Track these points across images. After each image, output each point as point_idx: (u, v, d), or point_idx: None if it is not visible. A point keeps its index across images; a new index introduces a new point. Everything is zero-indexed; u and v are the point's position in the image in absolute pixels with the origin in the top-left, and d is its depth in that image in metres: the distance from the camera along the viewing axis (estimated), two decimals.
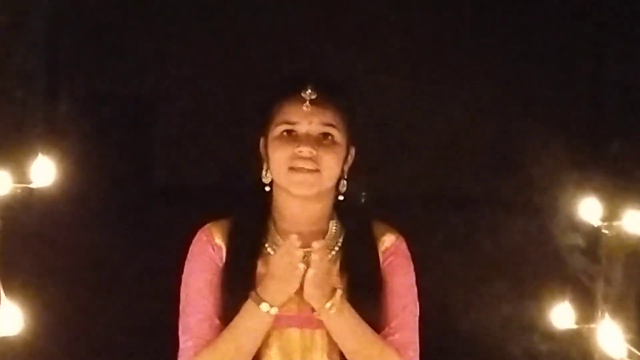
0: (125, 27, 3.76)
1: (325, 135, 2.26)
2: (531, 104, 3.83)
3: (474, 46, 3.85)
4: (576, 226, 3.21)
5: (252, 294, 2.18)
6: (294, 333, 2.25)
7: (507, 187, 3.82)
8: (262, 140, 2.33)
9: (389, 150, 3.74)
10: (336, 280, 2.27)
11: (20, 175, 2.62)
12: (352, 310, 2.22)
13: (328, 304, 2.17)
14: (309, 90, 2.23)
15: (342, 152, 2.28)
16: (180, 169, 3.77)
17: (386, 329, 2.27)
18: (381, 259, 2.32)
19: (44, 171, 2.66)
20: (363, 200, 2.46)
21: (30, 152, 2.66)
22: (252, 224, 2.31)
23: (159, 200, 3.80)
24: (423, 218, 3.75)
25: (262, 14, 3.76)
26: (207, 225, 2.35)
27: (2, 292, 2.53)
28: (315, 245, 2.13)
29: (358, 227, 2.33)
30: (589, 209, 3.09)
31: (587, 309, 3.31)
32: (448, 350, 3.72)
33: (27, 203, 2.72)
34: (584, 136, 3.79)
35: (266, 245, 2.30)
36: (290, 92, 2.25)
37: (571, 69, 3.85)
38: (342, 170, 2.31)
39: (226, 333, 2.22)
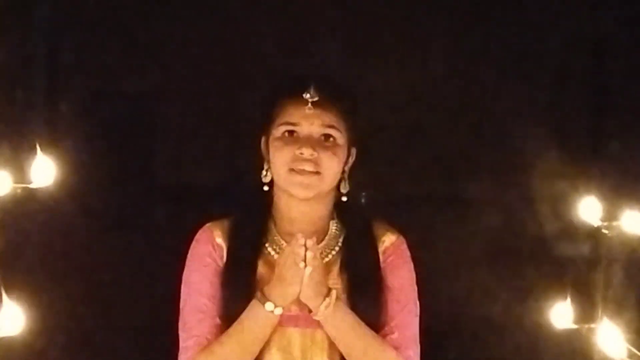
0: (126, 26, 3.76)
1: (327, 136, 2.26)
2: (531, 104, 3.83)
3: (474, 46, 3.85)
4: (576, 226, 3.21)
5: (258, 293, 2.19)
6: (294, 333, 2.25)
7: (507, 187, 3.82)
8: (263, 139, 2.33)
9: (389, 150, 3.74)
10: (336, 280, 2.27)
11: (20, 175, 2.61)
12: (349, 310, 2.22)
13: (323, 304, 2.17)
14: (311, 92, 2.23)
15: (343, 154, 2.29)
16: (181, 168, 3.77)
17: (386, 328, 2.27)
18: (381, 259, 2.33)
19: (44, 171, 2.66)
20: (363, 200, 2.46)
21: (30, 152, 2.66)
22: (252, 224, 2.32)
23: (159, 200, 3.80)
24: (423, 218, 3.75)
25: (262, 14, 3.76)
26: (208, 224, 2.35)
27: (2, 292, 2.53)
28: (309, 242, 2.14)
29: (358, 227, 2.34)
30: (589, 209, 3.09)
31: (586, 308, 3.31)
32: (448, 350, 3.72)
33: (27, 203, 2.71)
34: (584, 136, 3.79)
35: (267, 245, 2.30)
36: (293, 93, 2.25)
37: (571, 69, 3.85)
38: (343, 171, 2.31)
39: (230, 332, 2.22)
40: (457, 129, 3.89)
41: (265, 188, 2.32)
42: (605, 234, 3.04)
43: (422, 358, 2.32)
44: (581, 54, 3.87)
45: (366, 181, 2.41)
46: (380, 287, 2.29)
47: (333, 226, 2.34)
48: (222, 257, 2.30)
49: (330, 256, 2.30)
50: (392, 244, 2.34)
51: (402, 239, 2.37)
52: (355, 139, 2.33)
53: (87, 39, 3.69)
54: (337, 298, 2.20)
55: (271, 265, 2.24)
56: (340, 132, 2.27)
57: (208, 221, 2.36)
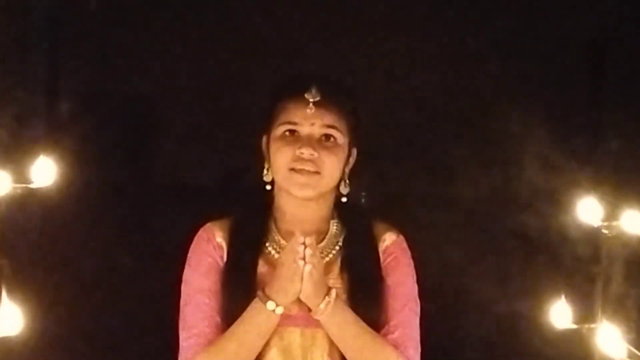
0: (126, 26, 3.76)
1: (327, 137, 2.26)
2: (531, 104, 3.83)
3: (474, 46, 3.86)
4: (576, 226, 3.21)
5: (259, 292, 2.19)
6: (294, 332, 2.25)
7: (507, 187, 3.82)
8: (264, 138, 2.34)
9: (389, 150, 3.74)
10: (336, 279, 2.28)
11: (21, 175, 2.61)
12: (349, 309, 2.22)
13: (323, 303, 2.17)
14: (313, 92, 2.23)
15: (344, 154, 2.29)
16: (181, 168, 3.77)
17: (386, 327, 2.28)
18: (382, 258, 2.33)
19: (44, 171, 2.66)
20: (363, 200, 2.46)
21: (31, 152, 2.66)
22: (253, 223, 2.32)
23: (159, 200, 3.80)
24: (422, 218, 3.75)
25: (263, 14, 3.76)
26: (208, 224, 2.35)
27: (2, 292, 2.53)
28: (308, 240, 2.14)
29: (358, 226, 2.34)
30: (588, 209, 3.09)
31: (586, 308, 3.31)
32: (447, 350, 3.72)
33: (27, 203, 2.71)
34: (584, 136, 3.80)
35: (267, 244, 2.30)
36: (294, 92, 2.25)
37: (571, 69, 3.85)
38: (344, 172, 2.31)
39: (231, 332, 2.22)
40: (457, 129, 3.89)
41: (267, 187, 2.32)
42: (605, 234, 3.04)
43: (422, 357, 2.32)
44: (581, 54, 3.87)
45: (366, 181, 2.41)
46: (380, 287, 2.29)
47: (333, 226, 2.34)
48: (222, 257, 2.31)
49: (330, 255, 2.30)
50: (392, 243, 2.35)
51: (402, 238, 2.37)
52: (356, 140, 2.34)
53: (88, 38, 3.69)
54: (337, 297, 2.20)
55: (272, 264, 2.25)
56: (341, 132, 2.27)
57: (208, 221, 2.36)
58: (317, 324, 2.23)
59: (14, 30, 3.42)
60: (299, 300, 2.20)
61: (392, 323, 2.28)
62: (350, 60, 3.70)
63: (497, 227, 3.81)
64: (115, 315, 3.60)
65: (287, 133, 2.26)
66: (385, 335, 2.26)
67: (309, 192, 2.25)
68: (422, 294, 2.38)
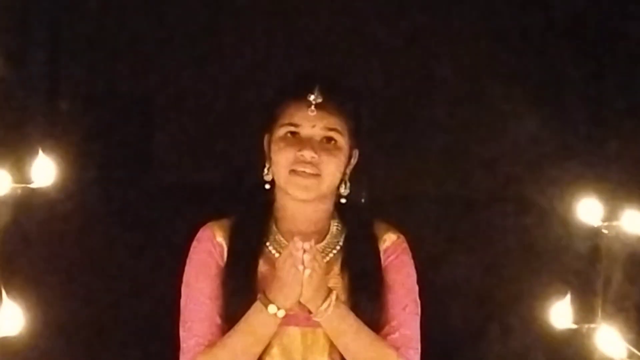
0: (126, 26, 3.76)
1: (329, 139, 2.26)
2: (531, 104, 3.83)
3: (475, 46, 3.86)
4: (576, 226, 3.21)
5: (260, 296, 2.19)
6: (295, 332, 2.25)
7: (506, 187, 3.82)
8: (265, 137, 2.34)
9: (390, 151, 3.74)
10: (337, 279, 2.28)
11: (21, 175, 2.61)
12: (349, 311, 2.22)
13: (324, 305, 2.17)
14: (315, 94, 2.23)
15: (345, 157, 2.29)
16: (181, 168, 3.77)
17: (386, 328, 2.28)
18: (382, 258, 2.33)
19: (45, 171, 2.66)
20: (363, 200, 2.46)
21: (31, 152, 2.66)
22: (253, 223, 2.32)
23: (159, 200, 3.81)
24: (422, 218, 3.75)
25: (263, 14, 3.76)
26: (209, 224, 2.35)
27: (2, 292, 2.53)
28: (306, 246, 2.14)
29: (359, 226, 2.34)
30: (588, 209, 3.09)
31: (586, 308, 3.31)
32: (447, 349, 3.72)
33: (27, 203, 2.71)
34: (584, 136, 3.80)
35: (267, 244, 2.30)
36: (297, 93, 2.25)
37: (571, 69, 3.85)
38: (344, 173, 2.31)
39: (232, 334, 2.22)
40: (456, 129, 3.89)
41: (267, 186, 2.32)
42: (605, 234, 3.04)
43: (422, 358, 2.33)
44: (581, 54, 3.88)
45: (366, 181, 2.41)
46: (381, 287, 2.29)
47: (334, 226, 2.34)
48: (222, 257, 2.31)
49: (331, 255, 2.31)
50: (393, 244, 2.35)
51: (402, 239, 2.38)
52: (358, 141, 2.34)
53: (88, 38, 3.69)
54: (337, 299, 2.20)
55: (272, 264, 2.25)
56: (342, 135, 2.27)
57: (209, 221, 2.36)
58: (318, 323, 2.23)
59: (14, 30, 3.42)
60: (299, 301, 2.20)
61: (392, 323, 2.28)
62: (351, 60, 3.70)
63: (497, 226, 3.81)
64: (116, 315, 3.60)
65: (288, 134, 2.26)
66: (385, 336, 2.26)
67: (309, 194, 2.25)
68: (421, 294, 2.38)
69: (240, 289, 2.23)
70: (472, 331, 3.76)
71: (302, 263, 2.13)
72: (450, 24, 3.84)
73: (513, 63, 3.85)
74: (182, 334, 2.29)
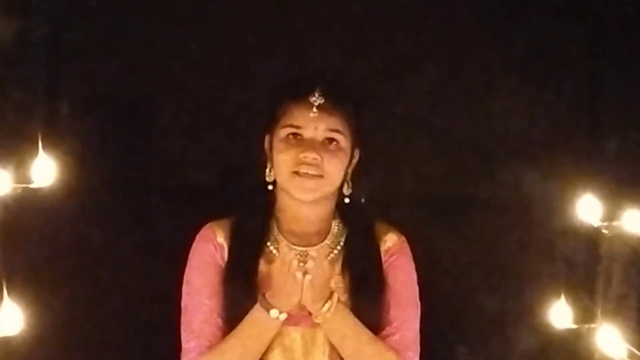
0: (126, 27, 3.76)
1: (331, 140, 2.27)
2: (531, 104, 3.83)
3: (475, 46, 3.86)
4: (576, 226, 3.21)
5: (261, 299, 2.19)
6: (295, 332, 2.26)
7: (506, 187, 3.82)
8: (267, 138, 2.34)
9: (390, 151, 3.74)
10: (337, 280, 2.28)
11: (21, 174, 2.62)
12: (349, 313, 2.22)
13: (324, 308, 2.18)
14: (317, 95, 2.23)
15: (346, 157, 2.29)
16: (182, 168, 3.78)
17: (387, 329, 2.28)
18: (383, 259, 2.33)
19: (45, 171, 2.67)
20: (363, 200, 2.46)
21: (31, 152, 2.67)
22: (254, 223, 2.32)
23: (160, 200, 3.81)
24: (423, 219, 3.75)
25: (263, 14, 3.76)
26: (210, 224, 2.35)
27: (2, 292, 2.53)
28: (312, 253, 2.14)
29: (360, 227, 2.34)
30: (588, 209, 3.10)
31: (586, 308, 3.31)
32: (446, 350, 3.72)
33: (27, 203, 2.72)
34: (584, 136, 3.80)
35: (268, 243, 2.30)
36: (299, 94, 2.25)
37: (571, 69, 3.86)
38: (346, 173, 2.32)
39: (233, 336, 2.22)
40: (456, 129, 3.89)
41: (269, 187, 2.32)
42: (605, 234, 3.04)
43: (421, 358, 2.33)
44: (580, 54, 3.88)
45: (367, 181, 2.41)
46: (381, 287, 2.30)
47: (335, 226, 2.34)
48: (223, 257, 2.31)
49: (332, 255, 2.31)
50: (394, 245, 2.35)
51: (404, 240, 2.38)
52: (359, 141, 2.34)
53: (88, 39, 3.69)
54: (339, 301, 2.20)
55: (273, 264, 2.25)
56: (344, 135, 2.28)
57: (209, 221, 2.36)
58: (318, 324, 2.23)
59: (14, 30, 3.42)
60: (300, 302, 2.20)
61: (393, 325, 2.29)
62: (351, 60, 3.71)
63: (496, 226, 3.81)
64: (116, 315, 3.61)
65: (290, 136, 2.27)
66: (385, 337, 2.27)
67: (311, 196, 2.25)
68: (421, 294, 2.38)
69: (241, 289, 2.24)
70: (471, 331, 3.76)
71: (300, 271, 2.13)
72: (445, 22, 3.84)
73: (513, 64, 3.85)
74: (184, 335, 2.30)
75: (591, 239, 3.37)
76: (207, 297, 2.27)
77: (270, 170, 2.32)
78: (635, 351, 2.55)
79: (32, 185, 2.62)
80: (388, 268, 2.33)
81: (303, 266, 2.18)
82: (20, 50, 3.50)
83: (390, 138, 3.75)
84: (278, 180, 2.30)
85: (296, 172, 2.25)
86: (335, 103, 2.26)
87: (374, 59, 3.77)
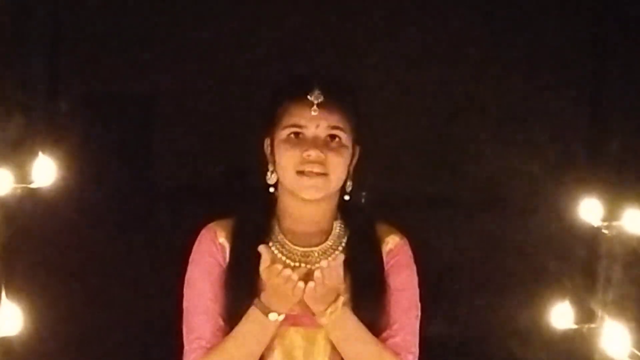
0: (126, 26, 3.76)
1: (332, 137, 2.26)
2: (531, 104, 3.83)
3: (475, 47, 3.85)
4: (576, 226, 3.21)
5: (257, 301, 2.18)
6: (296, 333, 2.25)
7: (507, 187, 3.82)
8: (266, 141, 2.33)
9: (390, 151, 3.74)
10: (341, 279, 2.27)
11: (21, 175, 2.61)
12: (353, 315, 2.21)
13: (329, 310, 2.17)
14: (316, 94, 2.23)
15: (349, 154, 2.29)
16: (182, 168, 3.77)
17: (388, 331, 2.27)
18: (385, 260, 2.32)
19: (45, 171, 2.66)
20: (363, 200, 2.46)
21: (31, 152, 2.66)
22: (255, 223, 2.31)
23: (160, 200, 3.80)
24: (423, 219, 3.75)
25: (263, 15, 3.75)
26: (211, 224, 2.34)
27: (2, 292, 2.53)
28: (323, 264, 2.13)
29: (362, 227, 2.33)
30: (589, 209, 3.09)
31: (587, 309, 3.31)
32: (448, 350, 3.72)
33: (28, 203, 2.71)
34: (584, 136, 3.79)
35: (270, 244, 2.29)
36: (297, 94, 2.24)
37: (571, 69, 3.85)
38: (348, 171, 2.31)
39: (231, 338, 2.22)
40: (456, 130, 3.89)
41: (271, 190, 2.32)
42: (605, 234, 3.04)
43: (422, 358, 2.32)
44: (581, 54, 3.87)
45: (367, 181, 2.41)
46: (382, 289, 2.29)
47: (337, 226, 2.33)
48: (224, 257, 2.30)
49: (333, 256, 2.30)
50: (396, 246, 2.34)
51: (405, 241, 2.37)
52: (359, 138, 2.33)
53: (88, 39, 3.69)
54: (344, 304, 2.19)
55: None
56: (345, 132, 2.27)
57: (211, 221, 2.35)
58: (319, 324, 2.23)
59: (14, 30, 3.42)
60: (301, 301, 2.19)
61: (394, 327, 2.28)
62: (351, 61, 3.70)
63: (497, 226, 3.81)
64: (116, 315, 3.60)
65: (292, 136, 2.26)
66: (386, 339, 2.26)
67: (317, 194, 2.25)
68: (422, 295, 2.37)
69: (243, 289, 2.23)
70: (472, 331, 3.76)
71: (288, 279, 2.12)
72: (445, 23, 3.83)
73: (513, 64, 3.85)
74: (185, 336, 2.29)
75: (591, 239, 3.37)
76: (208, 297, 2.26)
77: (271, 173, 2.31)
78: (636, 351, 2.55)
79: (32, 185, 2.61)
80: (390, 269, 2.32)
81: (309, 259, 2.18)
82: (20, 50, 3.49)
83: (391, 138, 3.75)
84: (282, 181, 2.29)
85: (301, 172, 2.24)
86: (334, 100, 2.25)
87: (374, 59, 3.77)
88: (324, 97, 2.23)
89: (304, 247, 2.28)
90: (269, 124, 2.30)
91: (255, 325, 2.19)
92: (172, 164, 3.80)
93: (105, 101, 3.77)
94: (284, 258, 2.27)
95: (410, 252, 2.36)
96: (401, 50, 3.81)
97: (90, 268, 3.61)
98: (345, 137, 2.27)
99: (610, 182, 3.38)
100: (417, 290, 2.34)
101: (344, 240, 2.32)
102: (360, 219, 2.35)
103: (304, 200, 2.26)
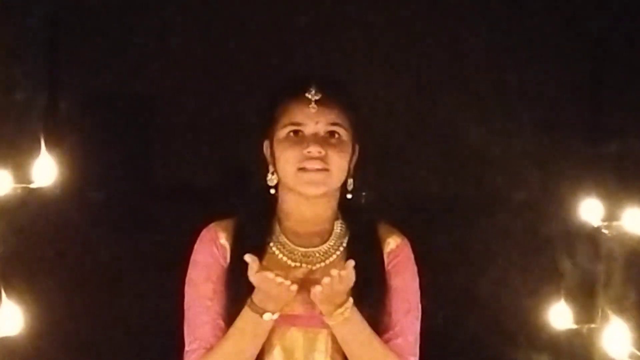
0: (126, 26, 3.76)
1: (332, 134, 2.26)
2: (531, 104, 3.83)
3: (474, 46, 3.86)
4: (576, 226, 3.21)
5: (249, 301, 2.18)
6: (297, 333, 2.25)
7: (507, 188, 3.82)
8: (265, 143, 2.33)
9: (391, 151, 3.74)
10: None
11: (21, 174, 2.62)
12: (360, 317, 2.22)
13: (338, 311, 2.17)
14: (313, 91, 2.23)
15: (349, 150, 2.29)
16: (182, 168, 3.77)
17: (389, 333, 2.28)
18: (386, 261, 2.32)
19: (45, 171, 2.67)
20: (363, 201, 2.46)
21: (31, 152, 2.67)
22: (256, 224, 2.31)
23: (160, 200, 3.80)
24: (424, 220, 3.75)
25: (262, 15, 3.76)
26: (212, 225, 2.34)
27: (2, 292, 2.53)
28: (333, 272, 2.13)
29: (363, 228, 2.34)
30: (589, 209, 3.10)
31: (587, 309, 3.31)
32: (447, 350, 3.72)
33: (28, 203, 2.72)
34: (584, 136, 3.80)
35: (271, 244, 2.30)
36: (294, 93, 2.25)
37: (571, 69, 3.85)
38: (349, 169, 2.31)
39: (227, 339, 2.22)
40: (457, 130, 3.89)
41: (272, 191, 2.32)
42: (605, 234, 3.04)
43: (422, 359, 2.33)
44: (581, 54, 3.88)
45: (368, 181, 2.41)
46: (383, 289, 2.29)
47: (338, 226, 2.33)
48: (225, 258, 2.30)
49: (334, 256, 2.30)
50: (397, 247, 2.34)
51: (406, 242, 2.37)
52: (358, 136, 2.34)
53: (88, 38, 3.69)
54: (353, 305, 2.19)
55: (275, 265, 2.24)
56: (345, 128, 2.28)
57: (212, 221, 2.35)
58: (321, 324, 2.23)
59: (14, 30, 3.42)
60: (302, 301, 2.20)
61: (395, 329, 2.28)
62: (350, 61, 3.70)
63: (497, 226, 3.81)
64: (116, 316, 3.60)
65: (291, 134, 2.26)
66: (387, 341, 2.26)
67: (319, 190, 2.25)
68: (422, 295, 2.37)
69: (244, 290, 2.23)
70: (472, 332, 3.76)
71: (277, 285, 2.12)
72: (444, 22, 3.84)
73: (514, 65, 3.85)
74: (186, 337, 2.29)
75: (591, 239, 3.37)
76: (209, 298, 2.27)
77: (272, 174, 2.31)
78: (636, 351, 2.55)
79: (32, 185, 2.62)
80: (391, 270, 2.32)
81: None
82: (20, 50, 3.50)
83: (391, 138, 3.75)
84: (284, 180, 2.29)
85: (302, 168, 2.24)
86: (332, 97, 2.26)
87: (374, 59, 3.77)
88: (322, 94, 2.24)
89: (304, 247, 2.29)
90: (268, 125, 2.31)
91: (249, 325, 2.19)
92: (172, 164, 3.80)
93: (105, 101, 3.76)
94: (284, 258, 2.27)
95: (411, 253, 2.36)
96: (401, 50, 3.81)
97: (90, 268, 3.62)
98: (344, 134, 2.27)
99: (610, 182, 3.38)
100: (418, 292, 2.35)
101: (345, 240, 2.32)
102: (361, 220, 2.35)
103: (305, 198, 2.27)
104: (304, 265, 2.25)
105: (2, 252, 2.76)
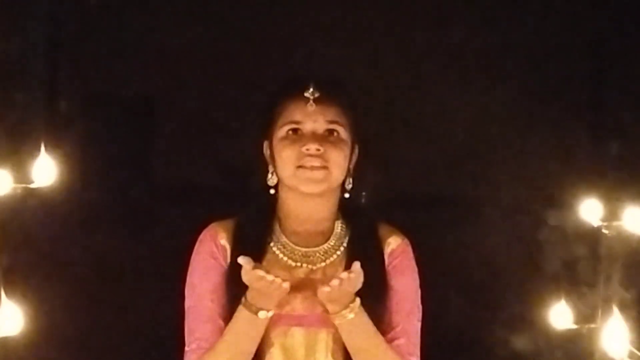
0: (126, 27, 3.76)
1: (331, 132, 2.26)
2: (531, 105, 3.83)
3: (475, 46, 3.86)
4: (576, 226, 3.21)
5: (244, 300, 2.18)
6: (297, 332, 2.25)
7: (507, 188, 3.82)
8: (265, 144, 2.33)
9: (391, 151, 3.74)
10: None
11: (21, 175, 2.62)
12: (367, 317, 2.22)
13: (345, 311, 2.17)
14: (312, 89, 2.24)
15: (348, 149, 2.29)
16: (182, 168, 3.77)
17: (391, 333, 2.27)
18: (386, 261, 2.32)
19: (45, 171, 2.67)
20: (363, 200, 2.46)
21: (31, 152, 2.67)
22: (257, 224, 2.31)
23: (160, 200, 3.80)
24: (424, 220, 3.75)
25: (262, 15, 3.76)
26: (212, 225, 2.34)
27: (2, 292, 2.53)
28: (343, 275, 2.13)
29: (363, 228, 2.33)
30: (589, 209, 3.10)
31: (587, 309, 3.31)
32: (448, 350, 3.72)
33: (28, 203, 2.72)
34: (584, 136, 3.80)
35: (271, 244, 2.29)
36: (293, 92, 2.25)
37: (571, 69, 3.86)
38: (348, 168, 2.31)
39: (224, 337, 2.22)
40: (457, 130, 3.89)
41: (272, 191, 2.32)
42: (605, 234, 3.04)
43: (422, 359, 2.33)
44: (581, 54, 3.88)
45: (367, 181, 2.41)
46: (384, 290, 2.29)
47: (338, 227, 2.33)
48: (225, 258, 2.30)
49: (334, 256, 2.30)
50: (398, 247, 2.34)
51: (407, 242, 2.37)
52: (358, 135, 2.34)
53: (88, 39, 3.69)
54: (360, 306, 2.19)
55: (276, 265, 2.24)
56: (343, 127, 2.28)
57: (212, 221, 2.35)
58: (321, 323, 2.23)
59: (14, 30, 3.42)
60: (303, 300, 2.20)
61: (397, 329, 2.28)
62: (350, 61, 3.70)
63: (497, 226, 3.81)
64: (116, 316, 3.60)
65: (290, 132, 2.26)
66: (390, 341, 2.27)
67: (318, 187, 2.25)
68: (422, 295, 2.37)
69: (244, 291, 2.23)
70: (472, 332, 3.76)
71: (271, 283, 2.12)
72: (444, 23, 3.84)
73: (514, 66, 3.85)
74: (186, 337, 2.29)
75: (591, 239, 3.37)
76: (209, 299, 2.27)
77: (272, 174, 2.31)
78: (636, 351, 2.55)
79: (32, 185, 2.62)
80: (391, 270, 2.32)
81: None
82: (20, 50, 3.50)
83: (391, 139, 3.75)
84: (283, 178, 2.29)
85: (301, 166, 2.24)
86: (330, 95, 2.26)
87: (374, 59, 3.77)
88: (320, 92, 2.24)
89: (305, 247, 2.29)
90: (267, 125, 2.31)
91: (245, 324, 2.19)
92: (172, 164, 3.80)
93: (105, 101, 3.77)
94: (285, 258, 2.27)
95: (412, 253, 2.36)
96: (401, 50, 3.82)
97: (90, 268, 3.61)
98: (343, 132, 2.27)
99: (610, 182, 3.38)
100: (419, 292, 2.34)
101: (346, 240, 2.32)
102: (361, 220, 2.35)
103: (305, 197, 2.27)
104: (304, 265, 2.24)
105: (2, 252, 2.76)
